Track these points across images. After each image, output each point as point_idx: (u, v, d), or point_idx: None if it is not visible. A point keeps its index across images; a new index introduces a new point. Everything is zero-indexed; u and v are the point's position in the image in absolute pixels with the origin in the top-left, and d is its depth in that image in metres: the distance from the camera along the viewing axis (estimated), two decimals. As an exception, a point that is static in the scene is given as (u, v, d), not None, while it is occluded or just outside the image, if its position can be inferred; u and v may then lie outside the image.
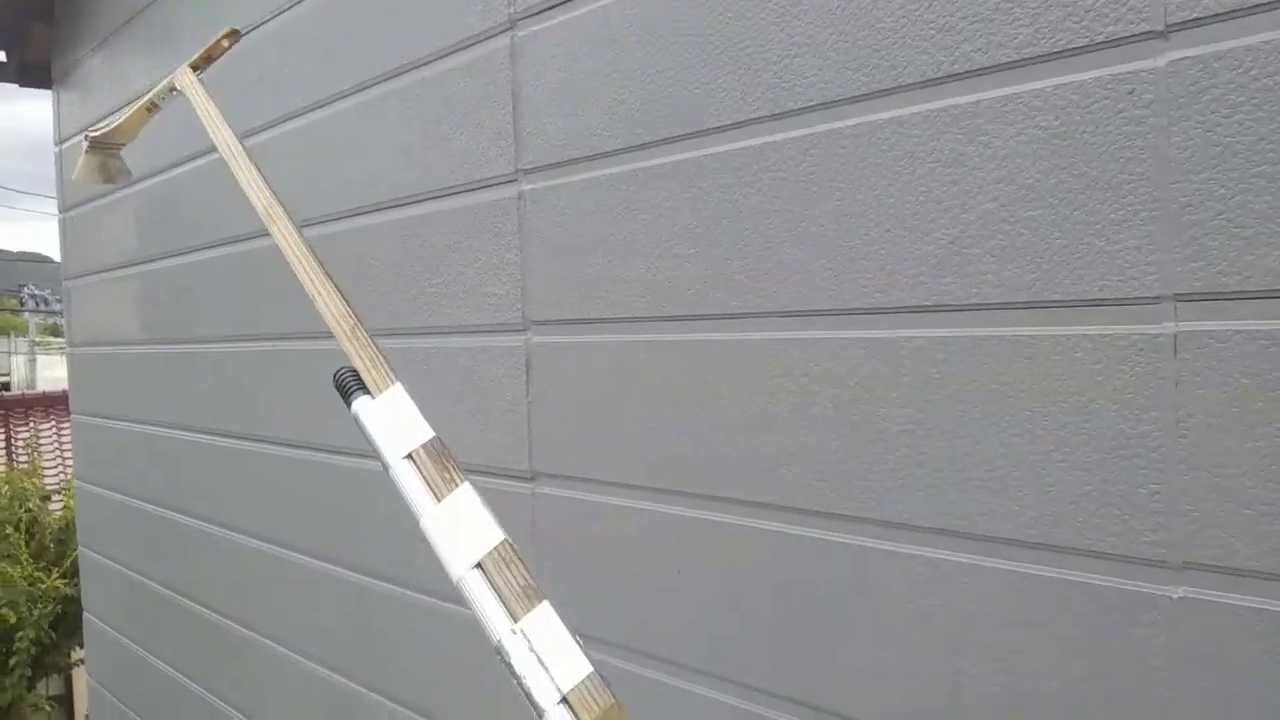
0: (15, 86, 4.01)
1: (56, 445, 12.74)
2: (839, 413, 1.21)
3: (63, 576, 8.83)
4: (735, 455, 1.33)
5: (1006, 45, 1.04)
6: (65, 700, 11.41)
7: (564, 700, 0.62)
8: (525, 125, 1.62)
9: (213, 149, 2.63)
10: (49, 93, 3.83)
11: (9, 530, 9.00)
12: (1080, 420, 1.00)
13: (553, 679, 0.63)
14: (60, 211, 3.77)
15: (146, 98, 1.23)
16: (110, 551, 3.59)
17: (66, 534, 9.14)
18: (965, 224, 1.08)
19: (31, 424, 13.24)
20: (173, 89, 1.17)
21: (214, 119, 1.09)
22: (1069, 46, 0.99)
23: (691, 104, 1.36)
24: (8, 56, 3.91)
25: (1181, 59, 0.91)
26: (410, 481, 0.75)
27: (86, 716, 8.22)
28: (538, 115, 1.60)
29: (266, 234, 2.36)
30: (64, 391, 12.93)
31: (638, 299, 1.45)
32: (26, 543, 9.01)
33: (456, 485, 0.73)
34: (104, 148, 1.32)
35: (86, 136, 1.30)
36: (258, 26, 2.33)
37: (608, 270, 1.50)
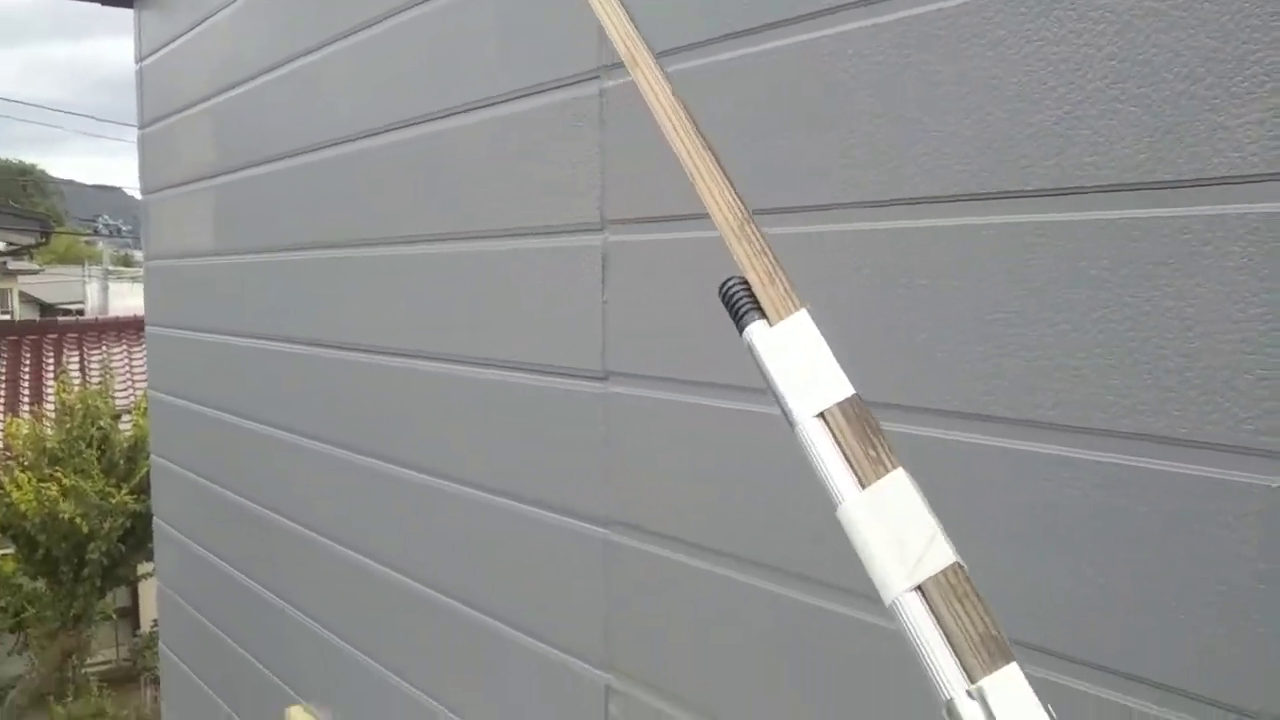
0: (96, 13, 4.04)
1: (128, 367, 13.08)
2: (931, 299, 1.18)
3: (131, 493, 9.10)
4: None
5: (1127, -87, 0.99)
6: (131, 612, 11.80)
7: None
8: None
9: (286, 61, 2.64)
10: (122, 27, 3.86)
11: (82, 447, 9.27)
12: (1186, 304, 0.97)
13: None
14: (140, 128, 3.82)
15: None
16: (180, 458, 3.67)
17: (135, 451, 9.40)
18: (1072, 103, 1.04)
19: (104, 347, 13.59)
20: None
21: None
22: (1196, -90, 0.94)
23: (785, -11, 1.32)
24: (92, -27, 3.95)
25: (1321, -84, 0.86)
26: (825, 451, 0.59)
27: (153, 623, 8.50)
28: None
29: (340, 142, 2.37)
30: (134, 317, 13.31)
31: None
32: (98, 459, 9.28)
33: (887, 469, 0.57)
34: None
35: None
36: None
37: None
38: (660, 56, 0.76)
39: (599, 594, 1.68)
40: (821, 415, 0.59)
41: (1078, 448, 1.05)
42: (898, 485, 0.56)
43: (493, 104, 1.87)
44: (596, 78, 1.63)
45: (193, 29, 3.28)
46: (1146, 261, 0.99)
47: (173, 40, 3.44)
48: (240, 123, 3.02)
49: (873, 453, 0.58)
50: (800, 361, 0.62)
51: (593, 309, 1.66)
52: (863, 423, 0.59)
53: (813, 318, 0.63)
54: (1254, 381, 0.93)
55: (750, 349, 0.64)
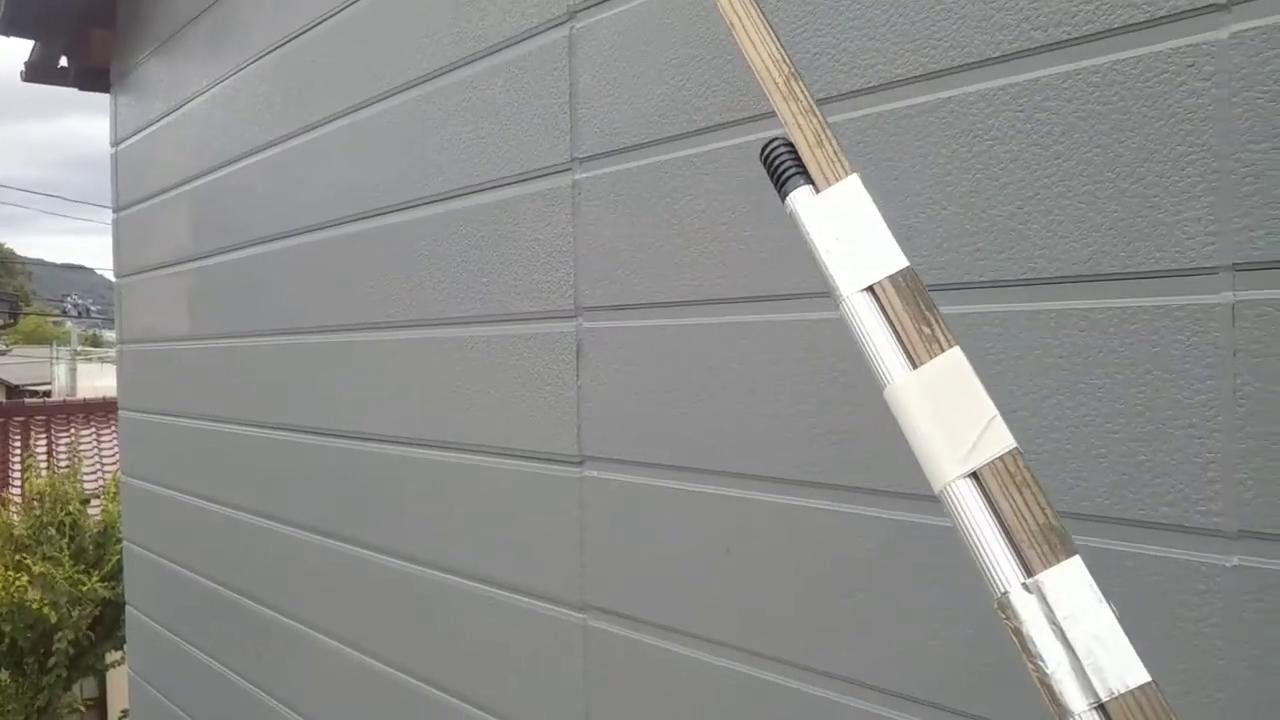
0: (69, 100, 4.11)
1: (96, 451, 12.93)
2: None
3: (102, 579, 8.95)
4: (787, 434, 1.35)
5: (1065, 23, 1.05)
6: (99, 704, 11.52)
7: (1101, 707, 0.46)
8: (581, 114, 1.65)
9: (263, 147, 2.68)
10: (96, 107, 3.92)
11: (51, 532, 9.13)
12: (1135, 391, 1.01)
13: (1085, 671, 0.47)
14: (115, 211, 3.85)
15: None
16: (154, 545, 3.64)
17: (105, 537, 9.27)
18: (1022, 200, 1.09)
19: (72, 430, 13.44)
20: None
21: None
22: (1129, 22, 1.00)
23: (743, 88, 1.38)
24: (68, 61, 4.00)
25: (1245, 30, 0.93)
26: (872, 326, 0.54)
27: (122, 714, 8.31)
28: (592, 104, 1.63)
29: (316, 228, 2.40)
30: (103, 399, 13.21)
31: (689, 282, 1.47)
32: (68, 545, 9.14)
33: (942, 348, 0.52)
34: None
35: None
36: (314, 25, 2.38)
37: (659, 255, 1.52)
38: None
39: (579, 682, 1.69)
40: (870, 289, 0.55)
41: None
42: (953, 365, 0.52)
43: (467, 193, 1.92)
44: (569, 169, 1.68)
45: (168, 115, 3.33)
46: (1097, 350, 1.04)
47: (148, 125, 3.49)
48: (215, 208, 3.05)
49: (926, 330, 0.53)
50: (849, 231, 0.57)
51: (568, 393, 1.69)
52: (917, 297, 0.55)
53: (865, 184, 0.58)
54: (1202, 465, 0.97)
55: (794, 216, 0.59)
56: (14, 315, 15.95)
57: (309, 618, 2.56)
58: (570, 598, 1.70)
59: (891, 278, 0.55)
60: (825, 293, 1.23)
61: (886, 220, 0.57)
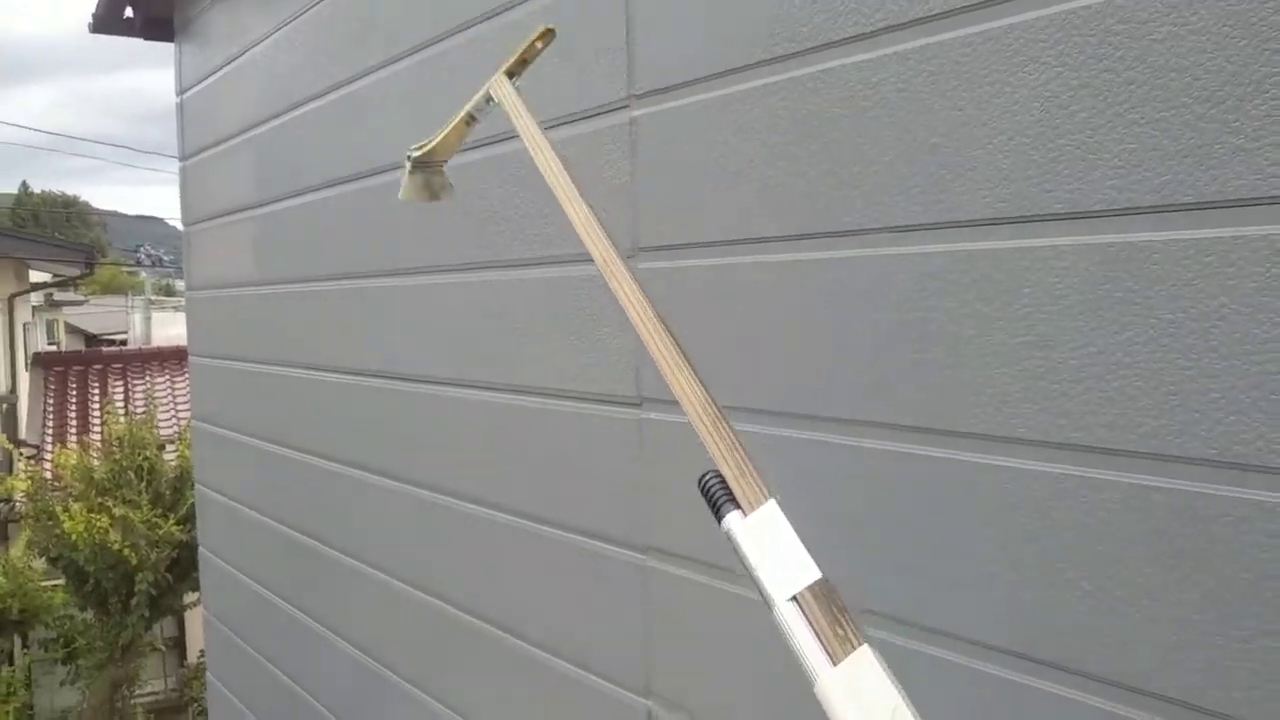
0: (137, 52, 4.16)
1: (171, 397, 13.25)
2: (956, 326, 1.19)
3: (178, 523, 9.21)
4: (849, 374, 1.33)
5: (1142, -60, 1.00)
6: (178, 643, 11.92)
7: None
8: (638, 50, 1.63)
9: (325, 92, 2.68)
10: (163, 59, 3.95)
11: (130, 476, 9.40)
12: (1210, 326, 0.97)
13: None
14: (181, 160, 3.90)
15: (464, 111, 1.20)
16: (225, 487, 3.73)
17: (180, 481, 9.51)
18: (1093, 128, 1.05)
19: (148, 377, 13.79)
20: (489, 99, 1.15)
21: (535, 138, 1.03)
22: (1210, -63, 0.95)
23: (802, 19, 1.34)
24: (133, 11, 4.04)
25: (1333, -59, 0.87)
26: (800, 631, 0.64)
27: (200, 653, 8.58)
28: (650, 39, 1.60)
29: (383, 170, 2.40)
30: (177, 347, 13.50)
31: (752, 220, 1.45)
32: (145, 489, 9.40)
33: (854, 646, 0.62)
34: (426, 166, 1.29)
35: (409, 157, 1.28)
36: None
37: (718, 192, 1.49)
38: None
39: (637, 621, 1.70)
40: (794, 598, 0.65)
41: (1116, 470, 1.06)
42: (865, 660, 0.61)
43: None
44: (626, 106, 1.66)
45: (232, 61, 3.35)
46: (1171, 283, 1.00)
47: (213, 73, 3.52)
48: (281, 153, 3.07)
49: (840, 630, 0.62)
50: (773, 548, 0.67)
51: (627, 334, 1.68)
52: (830, 602, 0.64)
53: (780, 507, 0.69)
54: (1281, 401, 0.93)
55: (729, 537, 0.70)
56: (90, 266, 16.26)
57: (375, 558, 2.60)
58: (631, 539, 1.70)
59: (810, 587, 0.64)
60: (885, 226, 1.20)
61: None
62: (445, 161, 1.30)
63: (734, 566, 1.49)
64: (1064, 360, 1.09)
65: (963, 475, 1.19)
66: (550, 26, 1.12)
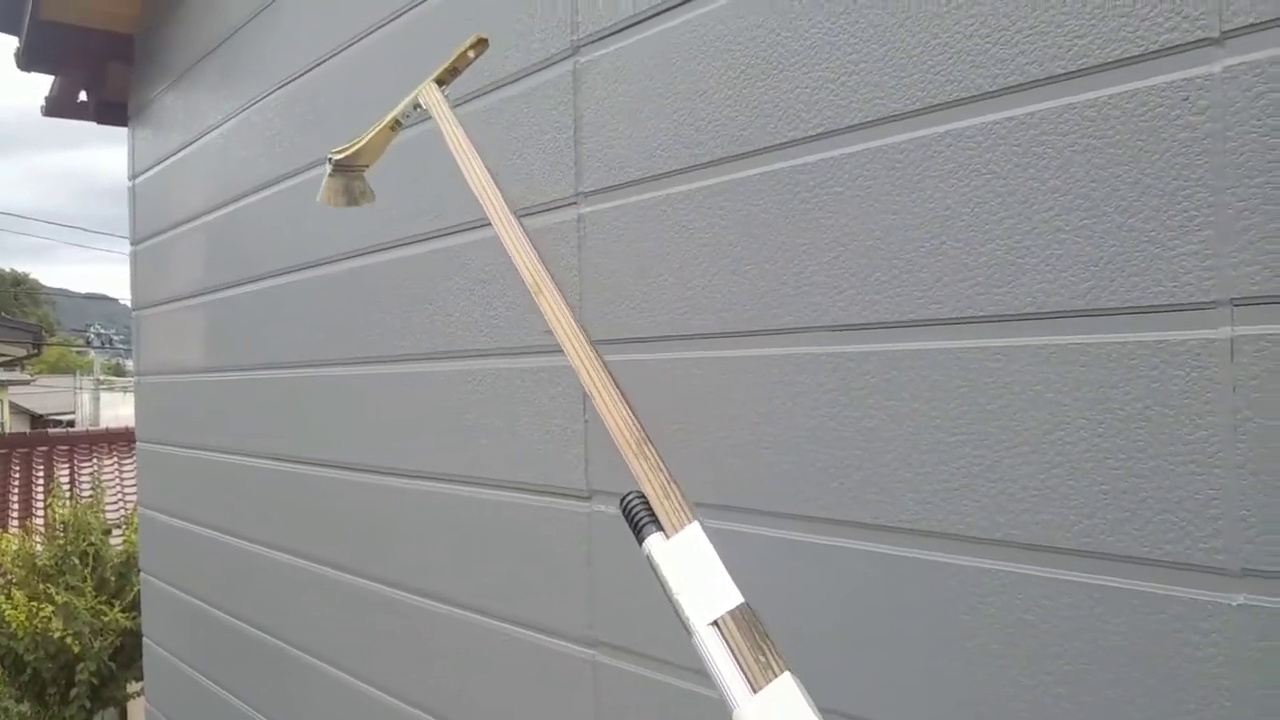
0: (90, 130, 4.17)
1: (118, 481, 13.00)
2: (893, 425, 1.22)
3: (123, 610, 8.98)
4: (790, 469, 1.34)
5: (1060, 57, 1.05)
6: (121, 733, 11.55)
7: None
8: (585, 149, 1.66)
9: (278, 179, 2.70)
10: (117, 137, 3.97)
11: (74, 562, 9.18)
12: (1136, 427, 1.00)
13: None
14: (132, 244, 3.89)
15: (390, 115, 1.17)
16: (171, 577, 3.65)
17: (126, 567, 9.30)
18: (1020, 234, 1.09)
19: (95, 460, 13.53)
20: (417, 105, 1.12)
21: (462, 146, 1.01)
22: (1123, 56, 1.00)
23: (744, 124, 1.38)
24: (87, 95, 4.06)
25: (1237, 64, 0.92)
26: (720, 658, 0.61)
27: (142, 747, 8.32)
28: (597, 139, 1.64)
29: (330, 261, 2.41)
30: (126, 428, 13.28)
31: (693, 317, 1.47)
32: (90, 575, 9.18)
33: (776, 674, 0.60)
34: (347, 170, 1.25)
35: (329, 159, 1.24)
36: (323, 61, 2.41)
37: (663, 289, 1.52)
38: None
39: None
40: (715, 623, 0.62)
41: (1051, 567, 1.08)
42: (788, 690, 0.59)
43: (473, 228, 1.93)
44: (574, 204, 1.69)
45: (183, 149, 3.36)
46: (1098, 385, 1.03)
47: (164, 159, 3.53)
48: (231, 240, 3.07)
49: (762, 658, 0.60)
50: (694, 571, 0.65)
51: (576, 427, 1.69)
52: (752, 629, 0.62)
53: (703, 529, 0.67)
54: (1204, 502, 0.96)
55: (649, 560, 0.67)
56: (38, 345, 16.04)
57: (322, 651, 2.56)
58: (579, 634, 1.70)
59: (731, 613, 0.62)
60: (826, 325, 1.23)
61: (719, 557, 0.66)
62: (367, 167, 1.27)
63: (688, 663, 1.49)
64: (999, 459, 1.11)
65: (901, 570, 1.21)
66: (484, 36, 1.11)
